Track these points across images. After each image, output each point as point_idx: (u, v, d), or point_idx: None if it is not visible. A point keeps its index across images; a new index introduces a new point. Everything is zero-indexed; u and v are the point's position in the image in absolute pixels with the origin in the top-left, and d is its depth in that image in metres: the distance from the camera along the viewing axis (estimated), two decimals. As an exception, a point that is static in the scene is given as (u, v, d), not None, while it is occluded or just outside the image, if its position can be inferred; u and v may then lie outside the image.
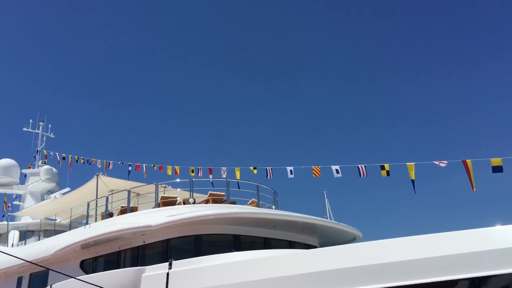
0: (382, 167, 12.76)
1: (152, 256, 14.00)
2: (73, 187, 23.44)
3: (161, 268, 11.96)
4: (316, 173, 14.29)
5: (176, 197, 15.65)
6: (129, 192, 16.11)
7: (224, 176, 17.01)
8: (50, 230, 20.94)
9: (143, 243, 14.21)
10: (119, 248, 14.85)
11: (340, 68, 69.52)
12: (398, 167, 12.16)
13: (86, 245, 15.35)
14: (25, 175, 27.80)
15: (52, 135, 29.44)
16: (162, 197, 15.44)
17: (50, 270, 16.88)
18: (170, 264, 11.72)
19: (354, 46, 68.25)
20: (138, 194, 19.34)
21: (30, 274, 18.24)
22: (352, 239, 15.47)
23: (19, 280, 18.72)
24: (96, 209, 17.24)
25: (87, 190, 19.19)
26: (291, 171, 15.06)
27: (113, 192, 16.95)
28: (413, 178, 11.78)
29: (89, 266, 15.80)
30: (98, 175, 17.87)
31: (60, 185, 27.48)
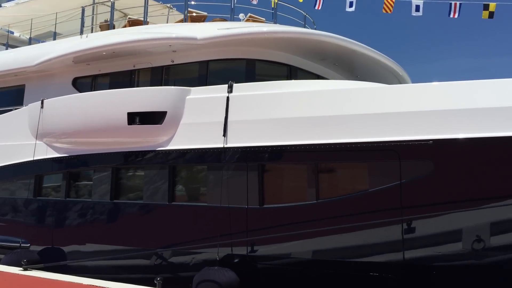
0: (486, 7, 10.59)
1: (181, 82, 11.33)
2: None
3: (215, 91, 9.48)
4: (387, 8, 11.81)
5: (205, 14, 12.61)
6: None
7: (254, 2, 13.94)
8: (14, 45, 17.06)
9: (171, 63, 11.42)
10: (134, 66, 11.95)
11: None
12: (508, 8, 10.05)
13: (85, 58, 12.23)
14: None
15: None
16: (189, 10, 12.30)
17: (26, 85, 13.90)
18: (231, 87, 9.25)
19: None
20: (124, 16, 15.91)
21: (-5, 88, 14.86)
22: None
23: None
24: (93, 18, 13.72)
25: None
26: (351, 3, 12.38)
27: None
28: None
29: (86, 85, 12.85)
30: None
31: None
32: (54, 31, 14.57)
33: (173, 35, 10.50)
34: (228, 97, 9.18)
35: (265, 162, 8.79)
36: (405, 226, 7.62)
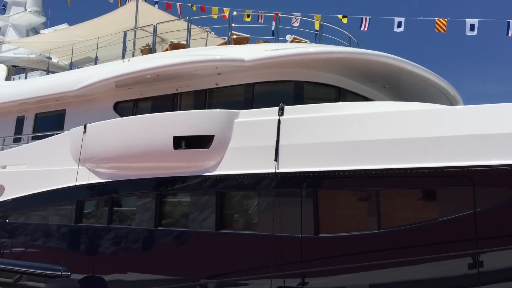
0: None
1: (225, 105, 10.98)
2: (70, 24, 19.21)
3: (265, 114, 9.10)
4: (440, 27, 11.35)
5: (248, 37, 12.36)
6: (189, 21, 12.53)
7: (296, 25, 13.69)
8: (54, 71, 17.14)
9: (215, 86, 11.14)
10: (177, 90, 11.73)
11: None
12: None
13: (128, 82, 12.09)
14: (4, 5, 22.87)
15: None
16: (233, 33, 12.05)
17: (67, 110, 13.84)
18: (282, 110, 8.87)
19: None
20: (162, 40, 15.82)
21: (36, 114, 14.87)
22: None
23: (19, 121, 15.33)
24: (134, 42, 13.64)
25: (107, 21, 15.34)
26: (399, 23, 11.99)
27: (160, 22, 13.27)
28: None
29: (127, 110, 12.69)
30: (138, -4, 14.02)
31: (49, 24, 22.87)
32: (95, 55, 14.57)
33: (221, 57, 10.24)
34: (279, 120, 8.79)
35: (320, 188, 8.29)
36: (480, 259, 6.98)
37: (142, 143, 9.96)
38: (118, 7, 18.57)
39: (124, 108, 12.74)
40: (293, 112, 8.85)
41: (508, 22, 10.56)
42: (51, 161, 12.08)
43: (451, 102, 12.24)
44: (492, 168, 6.85)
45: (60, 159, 11.83)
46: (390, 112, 7.97)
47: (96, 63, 14.42)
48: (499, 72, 43.62)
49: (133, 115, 12.14)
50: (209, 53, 10.70)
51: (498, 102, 7.46)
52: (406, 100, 12.25)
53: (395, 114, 7.81)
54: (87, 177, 11.21)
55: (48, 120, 14.34)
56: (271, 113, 9.00)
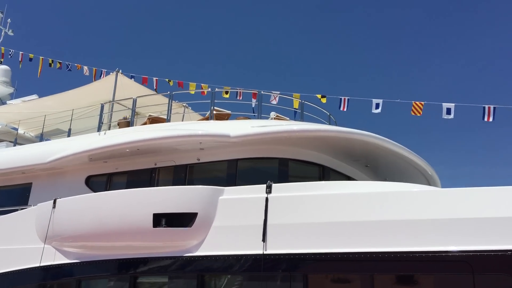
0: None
1: (206, 181, 10.62)
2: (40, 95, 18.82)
3: (252, 191, 8.79)
4: (416, 111, 11.66)
5: (229, 113, 12.30)
6: (171, 96, 12.39)
7: (274, 102, 13.80)
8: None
9: (197, 161, 10.82)
10: (155, 164, 11.31)
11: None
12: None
13: (105, 155, 11.62)
14: (-29, 74, 22.31)
15: (10, 33, 23.83)
16: (215, 109, 11.93)
17: (33, 184, 13.08)
18: (269, 188, 8.59)
19: None
20: (137, 114, 15.62)
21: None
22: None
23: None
24: (111, 115, 13.29)
25: (82, 93, 15.09)
26: (377, 104, 12.28)
27: (140, 96, 13.09)
28: None
29: (100, 184, 12.07)
30: (118, 71, 13.89)
31: (16, 94, 22.34)
32: (69, 127, 14.08)
33: (206, 132, 10.03)
34: (267, 198, 8.48)
35: (312, 272, 7.86)
36: None
37: (119, 220, 9.35)
38: (92, 80, 18.51)
39: (96, 183, 12.13)
40: (281, 190, 8.58)
41: (484, 107, 10.99)
42: (13, 239, 11.16)
43: (428, 181, 12.32)
44: (493, 253, 6.69)
45: (23, 237, 10.94)
46: (385, 192, 7.83)
47: (69, 135, 13.91)
48: (475, 153, 45.63)
49: (106, 190, 11.55)
50: (192, 127, 10.49)
51: (475, 182, 7.48)
52: (385, 179, 12.26)
53: (391, 195, 7.67)
54: (53, 257, 10.33)
55: (11, 194, 13.45)
56: (258, 190, 8.70)
